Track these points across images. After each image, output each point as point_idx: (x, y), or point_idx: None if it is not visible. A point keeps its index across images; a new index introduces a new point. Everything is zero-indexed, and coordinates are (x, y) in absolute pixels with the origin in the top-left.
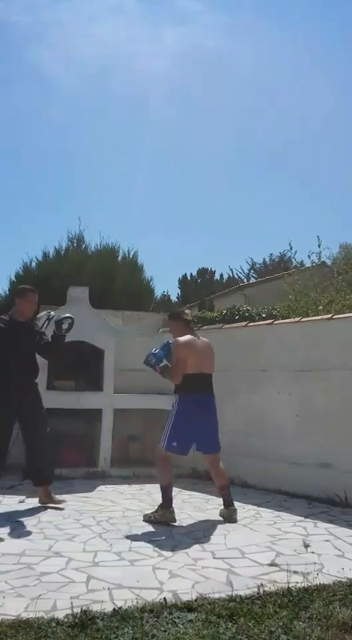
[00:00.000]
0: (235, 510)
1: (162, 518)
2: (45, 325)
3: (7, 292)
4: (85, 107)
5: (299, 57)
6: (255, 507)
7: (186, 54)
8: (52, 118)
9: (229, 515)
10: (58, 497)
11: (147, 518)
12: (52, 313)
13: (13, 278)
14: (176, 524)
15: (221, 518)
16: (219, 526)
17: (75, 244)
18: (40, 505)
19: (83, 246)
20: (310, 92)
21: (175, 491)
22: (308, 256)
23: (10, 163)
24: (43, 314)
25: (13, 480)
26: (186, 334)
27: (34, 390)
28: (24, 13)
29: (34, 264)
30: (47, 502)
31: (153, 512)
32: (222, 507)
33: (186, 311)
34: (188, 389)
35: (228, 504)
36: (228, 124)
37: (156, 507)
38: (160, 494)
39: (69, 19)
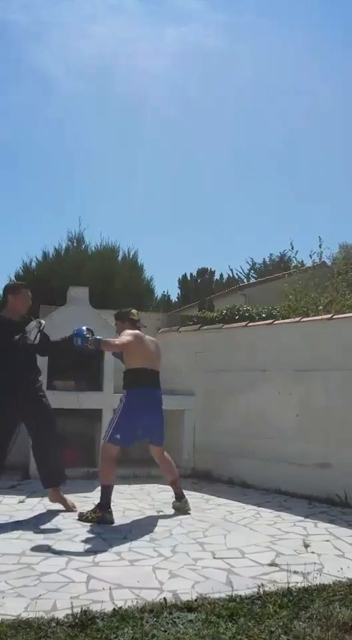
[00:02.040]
0: (187, 501)
1: (100, 519)
2: (37, 337)
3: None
4: (85, 106)
5: (299, 56)
6: (255, 507)
7: (186, 53)
8: (52, 117)
9: (182, 507)
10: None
11: (84, 518)
12: (43, 322)
13: (13, 278)
14: (176, 524)
15: (220, 519)
16: (219, 526)
17: (75, 244)
18: (40, 504)
19: (83, 246)
20: (310, 91)
21: (173, 492)
22: (310, 256)
23: (9, 163)
24: (33, 324)
25: (14, 479)
26: None
27: (36, 392)
28: (23, 13)
29: (34, 264)
30: (60, 502)
31: (89, 512)
32: (175, 500)
33: (133, 310)
34: (135, 383)
35: (180, 497)
36: (229, 123)
37: (94, 507)
38: (100, 494)
39: (68, 19)
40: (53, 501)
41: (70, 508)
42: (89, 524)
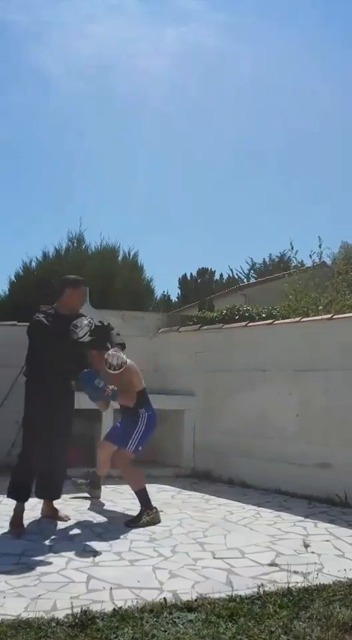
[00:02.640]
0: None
1: (152, 520)
2: (86, 335)
3: (7, 292)
4: (85, 106)
5: (299, 56)
6: (255, 507)
7: (185, 53)
8: (52, 117)
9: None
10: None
11: (140, 524)
12: (93, 321)
13: (13, 278)
14: (176, 524)
15: (220, 519)
16: (219, 526)
17: (75, 244)
18: (41, 504)
19: (83, 247)
20: (310, 91)
21: (175, 490)
22: (310, 256)
23: (10, 163)
24: (85, 320)
25: None
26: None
27: (70, 395)
28: (22, 12)
29: (34, 264)
30: (52, 516)
31: (138, 517)
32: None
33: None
34: (148, 403)
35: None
36: (229, 123)
37: (140, 511)
38: (138, 499)
39: (68, 19)
40: (45, 514)
41: (62, 519)
42: (89, 524)
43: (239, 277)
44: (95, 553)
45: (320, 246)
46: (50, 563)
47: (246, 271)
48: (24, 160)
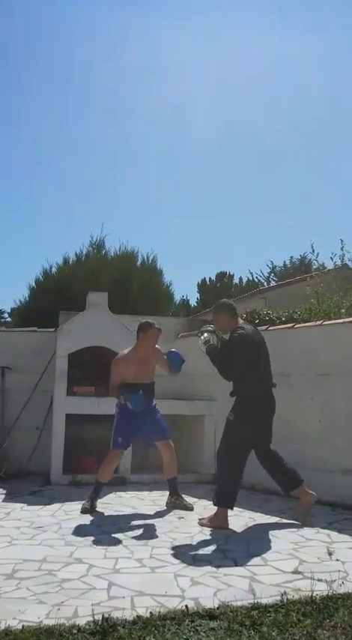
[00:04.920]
0: (180, 497)
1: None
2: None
3: (27, 298)
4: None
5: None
6: (278, 514)
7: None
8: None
9: (178, 504)
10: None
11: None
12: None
13: (33, 284)
14: (197, 530)
15: (243, 525)
16: (241, 533)
17: (95, 250)
18: (61, 510)
19: (103, 252)
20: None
21: (194, 499)
22: (331, 258)
23: (34, 171)
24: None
25: (35, 485)
26: None
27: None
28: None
29: (54, 269)
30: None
31: (84, 504)
32: (168, 495)
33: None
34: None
35: (173, 493)
36: (252, 122)
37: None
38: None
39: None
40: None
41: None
42: (109, 530)
43: (259, 280)
44: (116, 560)
45: (342, 248)
46: (71, 570)
47: (266, 274)
48: (48, 163)
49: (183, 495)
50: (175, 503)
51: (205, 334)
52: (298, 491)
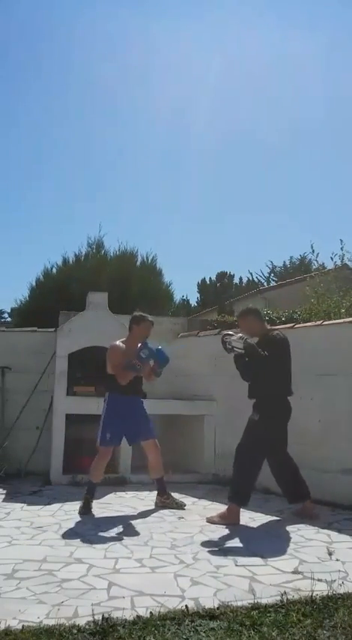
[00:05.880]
0: (170, 496)
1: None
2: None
3: (27, 298)
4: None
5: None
6: (278, 514)
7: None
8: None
9: (167, 503)
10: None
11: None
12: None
13: (33, 283)
14: (197, 530)
15: (243, 525)
16: (241, 533)
17: (94, 250)
18: (61, 511)
19: (102, 252)
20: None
21: (194, 499)
22: (331, 258)
23: (36, 171)
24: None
25: (35, 485)
26: None
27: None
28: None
29: (54, 269)
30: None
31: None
32: (157, 495)
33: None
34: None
35: (162, 493)
36: (249, 123)
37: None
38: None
39: None
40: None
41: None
42: (109, 530)
43: (259, 281)
44: (116, 560)
45: (341, 248)
46: (71, 570)
47: (266, 275)
48: (48, 165)
49: (172, 494)
50: (165, 502)
51: (239, 334)
52: (304, 505)
